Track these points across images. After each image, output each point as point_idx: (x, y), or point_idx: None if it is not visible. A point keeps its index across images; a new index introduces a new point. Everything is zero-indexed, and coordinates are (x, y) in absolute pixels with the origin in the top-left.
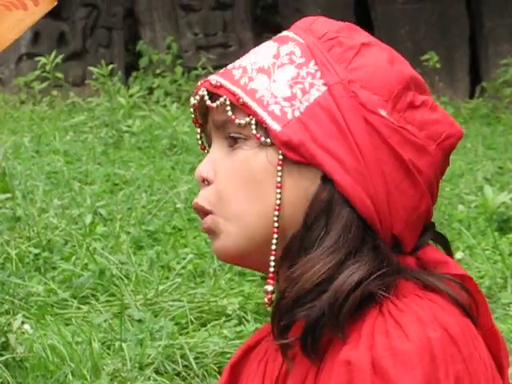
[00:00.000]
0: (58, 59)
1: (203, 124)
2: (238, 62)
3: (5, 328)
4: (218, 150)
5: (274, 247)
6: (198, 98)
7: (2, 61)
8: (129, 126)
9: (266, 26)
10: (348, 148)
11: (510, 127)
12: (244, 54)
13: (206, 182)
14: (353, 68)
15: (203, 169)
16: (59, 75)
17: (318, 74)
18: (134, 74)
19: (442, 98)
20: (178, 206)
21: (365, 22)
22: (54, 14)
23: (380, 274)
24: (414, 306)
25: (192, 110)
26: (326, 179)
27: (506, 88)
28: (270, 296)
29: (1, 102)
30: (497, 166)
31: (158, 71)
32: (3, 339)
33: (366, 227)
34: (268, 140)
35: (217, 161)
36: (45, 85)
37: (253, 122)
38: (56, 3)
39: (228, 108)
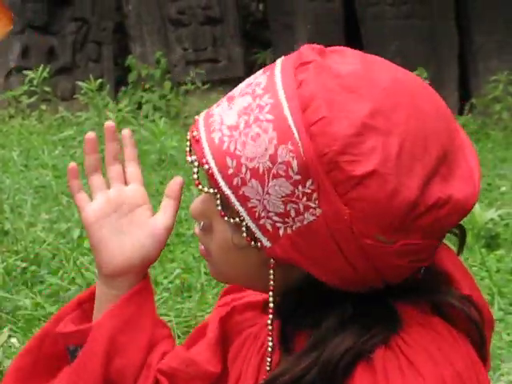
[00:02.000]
0: (46, 73)
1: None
2: (232, 142)
3: None
4: (211, 197)
5: (271, 288)
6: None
7: None
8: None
9: (256, 41)
10: (338, 264)
11: (499, 144)
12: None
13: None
14: (351, 198)
15: (197, 213)
16: (48, 89)
17: (314, 197)
18: (123, 88)
19: None
20: None
21: (354, 37)
22: (43, 29)
23: (369, 337)
24: (421, 340)
25: (188, 144)
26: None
27: (496, 104)
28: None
29: None
30: (485, 182)
31: (146, 86)
32: None
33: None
34: (258, 245)
35: (209, 211)
36: (33, 99)
37: (244, 228)
38: (11, 28)
39: (218, 202)
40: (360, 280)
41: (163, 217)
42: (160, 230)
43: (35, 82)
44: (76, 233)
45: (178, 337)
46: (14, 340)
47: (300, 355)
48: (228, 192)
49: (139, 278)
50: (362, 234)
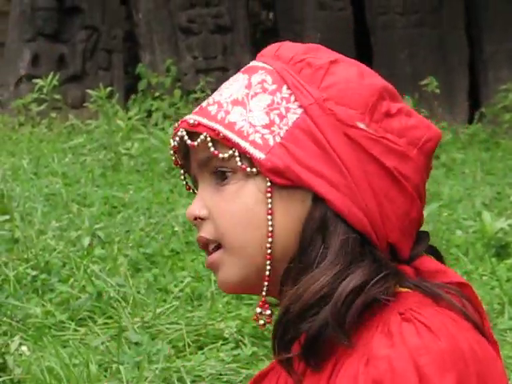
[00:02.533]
0: (56, 81)
1: (185, 165)
2: (211, 99)
3: (2, 349)
4: (206, 188)
5: (267, 273)
6: (177, 139)
7: (2, 83)
8: (127, 149)
9: None
10: (333, 165)
11: (509, 153)
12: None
13: (198, 219)
14: (325, 86)
15: (194, 207)
16: (58, 97)
17: (293, 98)
18: (133, 96)
19: (442, 123)
20: (176, 228)
21: (364, 46)
22: (53, 37)
23: (380, 278)
24: (434, 314)
25: (172, 152)
26: (317, 199)
27: (506, 113)
28: (264, 322)
29: (0, 124)
30: (495, 191)
31: (156, 94)
32: (1, 361)
33: (363, 239)
34: (254, 169)
35: (207, 198)
36: (43, 107)
37: (236, 153)
38: None
39: (210, 144)
40: (358, 198)
41: None
42: None
43: (45, 90)
44: (86, 241)
45: (189, 345)
46: (24, 348)
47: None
48: (215, 125)
49: None
50: (342, 118)
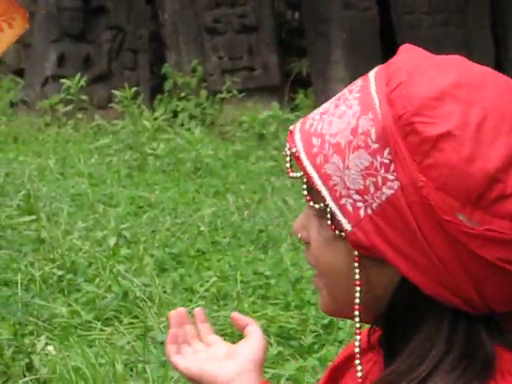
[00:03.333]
0: (83, 82)
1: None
2: (319, 123)
3: (29, 349)
4: (309, 211)
5: (357, 319)
6: (287, 151)
7: (28, 83)
8: (153, 149)
9: (292, 49)
10: (422, 251)
11: None
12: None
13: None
14: (427, 165)
15: (297, 225)
16: (84, 98)
17: (392, 167)
18: (159, 96)
19: None
20: (202, 228)
21: (390, 45)
22: (79, 37)
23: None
24: None
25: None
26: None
27: None
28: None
29: (26, 124)
30: None
31: (182, 94)
32: (27, 360)
33: (457, 314)
34: (343, 234)
35: (309, 224)
36: (70, 107)
37: (328, 210)
38: (28, 27)
39: (304, 187)
40: (450, 282)
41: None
42: None
43: (71, 91)
44: (112, 241)
45: None
46: (50, 348)
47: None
48: (311, 171)
49: None
50: (439, 207)
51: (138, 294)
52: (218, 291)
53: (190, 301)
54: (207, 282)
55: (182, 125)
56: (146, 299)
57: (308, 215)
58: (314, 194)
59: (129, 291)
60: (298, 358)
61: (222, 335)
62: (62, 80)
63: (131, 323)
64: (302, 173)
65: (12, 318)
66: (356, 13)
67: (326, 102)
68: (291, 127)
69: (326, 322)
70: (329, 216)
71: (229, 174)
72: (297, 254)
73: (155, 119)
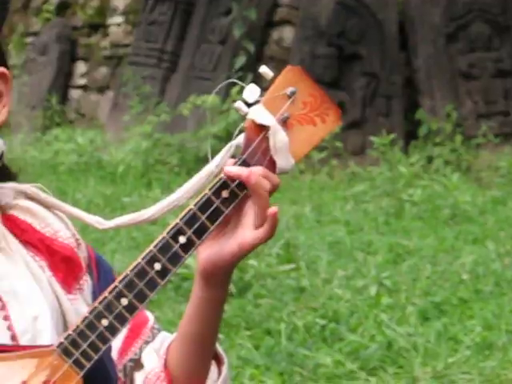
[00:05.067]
0: (337, 129)
1: None
2: None
3: None
4: None
5: None
6: None
7: None
8: (410, 196)
9: None
10: None
11: None
12: None
13: None
14: None
15: None
16: (338, 145)
17: None
18: (413, 142)
19: None
20: (464, 277)
21: None
22: (333, 84)
23: None
24: None
25: None
26: None
27: None
28: None
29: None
30: None
31: (437, 140)
32: None
33: None
34: None
35: None
36: (324, 154)
37: None
38: (340, 124)
39: None
40: None
41: None
42: None
43: (327, 138)
44: (373, 289)
45: None
46: None
47: None
48: None
49: None
50: None
51: (401, 344)
52: (482, 340)
53: (455, 351)
54: (471, 331)
55: (438, 171)
56: (410, 349)
57: None
58: None
59: (393, 341)
60: None
61: None
62: None
63: (396, 373)
64: None
65: (277, 368)
66: None
67: None
68: None
69: None
70: None
71: (487, 221)
72: None
73: (411, 165)
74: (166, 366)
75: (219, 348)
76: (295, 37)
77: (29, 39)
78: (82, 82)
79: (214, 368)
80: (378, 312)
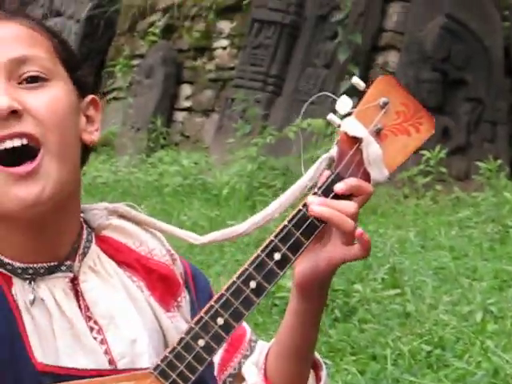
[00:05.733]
0: (442, 154)
1: None
2: None
3: None
4: None
5: None
6: None
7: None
8: None
9: None
10: None
11: None
12: None
13: None
14: None
15: None
16: (443, 170)
17: None
18: None
19: None
20: None
21: None
22: (437, 109)
23: None
24: None
25: None
26: None
27: None
28: None
29: (385, 195)
30: None
31: None
32: None
33: None
34: None
35: None
36: (428, 179)
37: None
38: (433, 132)
39: None
40: None
41: None
42: None
43: (431, 163)
44: (479, 316)
45: None
46: None
47: None
48: None
49: None
50: None
51: (508, 371)
52: None
53: None
54: None
55: None
56: None
57: None
58: None
59: (499, 368)
60: None
61: None
62: (422, 151)
63: None
64: None
65: None
66: None
67: None
68: None
69: None
70: None
71: None
72: None
73: None
74: (266, 376)
75: (316, 355)
76: (400, 61)
77: (135, 61)
78: (187, 104)
79: (311, 374)
80: (483, 338)
